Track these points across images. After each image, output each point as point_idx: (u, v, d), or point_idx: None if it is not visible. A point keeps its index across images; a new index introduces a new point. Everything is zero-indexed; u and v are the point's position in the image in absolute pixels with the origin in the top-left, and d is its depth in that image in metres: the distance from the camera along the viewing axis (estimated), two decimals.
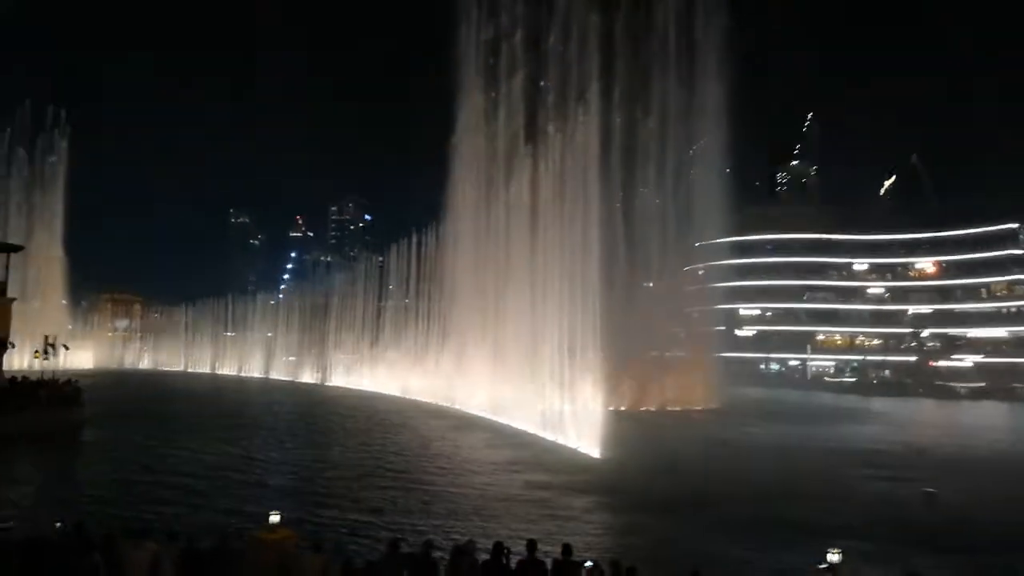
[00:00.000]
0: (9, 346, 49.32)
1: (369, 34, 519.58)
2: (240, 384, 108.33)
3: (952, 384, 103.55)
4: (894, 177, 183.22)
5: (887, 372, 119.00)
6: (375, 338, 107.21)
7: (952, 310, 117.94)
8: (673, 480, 30.69)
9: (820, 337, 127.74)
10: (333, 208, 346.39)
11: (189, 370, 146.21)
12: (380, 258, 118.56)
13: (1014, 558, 20.94)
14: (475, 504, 26.33)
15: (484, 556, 12.64)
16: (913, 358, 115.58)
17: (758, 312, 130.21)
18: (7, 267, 51.75)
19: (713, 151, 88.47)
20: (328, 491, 28.24)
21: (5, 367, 49.59)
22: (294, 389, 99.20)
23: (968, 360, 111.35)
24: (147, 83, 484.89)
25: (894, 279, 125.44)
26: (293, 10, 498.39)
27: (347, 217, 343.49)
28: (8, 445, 36.35)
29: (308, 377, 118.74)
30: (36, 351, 61.01)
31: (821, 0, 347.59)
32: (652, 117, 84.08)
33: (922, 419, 72.01)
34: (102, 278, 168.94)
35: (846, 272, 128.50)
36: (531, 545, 12.43)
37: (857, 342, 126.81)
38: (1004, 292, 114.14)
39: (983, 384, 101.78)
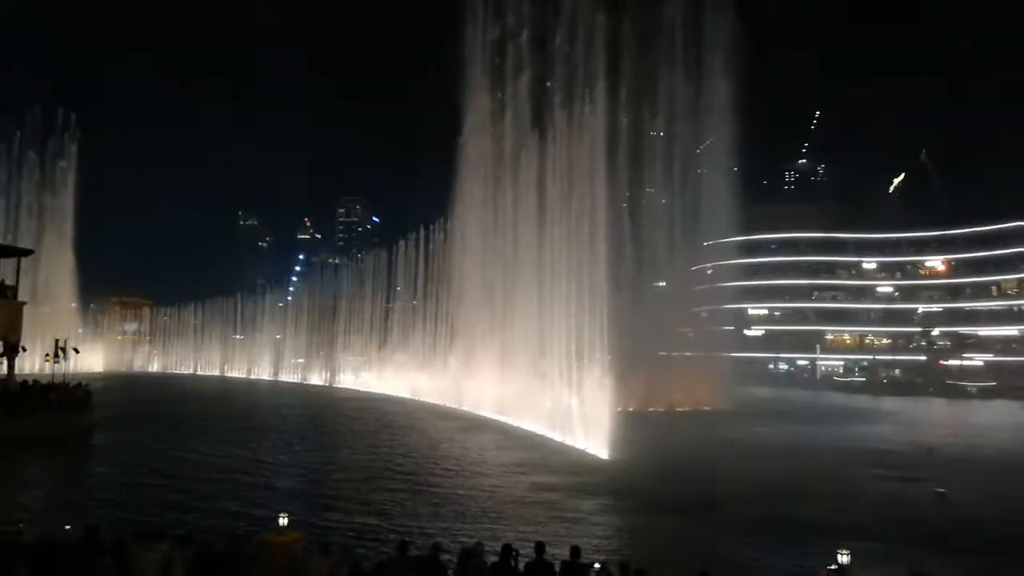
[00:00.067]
0: (20, 350, 49.59)
1: (369, 34, 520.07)
2: (249, 386, 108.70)
3: (962, 383, 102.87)
4: (903, 175, 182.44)
5: (897, 371, 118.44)
6: (383, 340, 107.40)
7: (962, 308, 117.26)
8: (682, 481, 30.64)
9: (829, 336, 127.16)
10: (341, 210, 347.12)
11: (198, 373, 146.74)
12: (382, 250, 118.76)
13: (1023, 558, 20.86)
14: (483, 506, 26.35)
15: (493, 558, 12.66)
16: (923, 357, 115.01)
17: (766, 312, 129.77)
18: (18, 271, 52.08)
19: (720, 150, 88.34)
20: (336, 493, 28.31)
21: (16, 371, 49.90)
22: (303, 391, 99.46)
23: (978, 359, 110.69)
24: (147, 83, 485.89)
25: (903, 278, 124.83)
26: (293, 10, 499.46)
27: (355, 219, 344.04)
28: (19, 448, 36.61)
29: (317, 379, 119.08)
30: (47, 354, 61.47)
31: (821, 0, 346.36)
32: (659, 117, 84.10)
33: (932, 418, 71.61)
34: (111, 281, 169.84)
35: (855, 271, 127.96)
36: (540, 547, 12.43)
37: (866, 341, 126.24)
38: (1014, 290, 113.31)
39: (994, 383, 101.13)
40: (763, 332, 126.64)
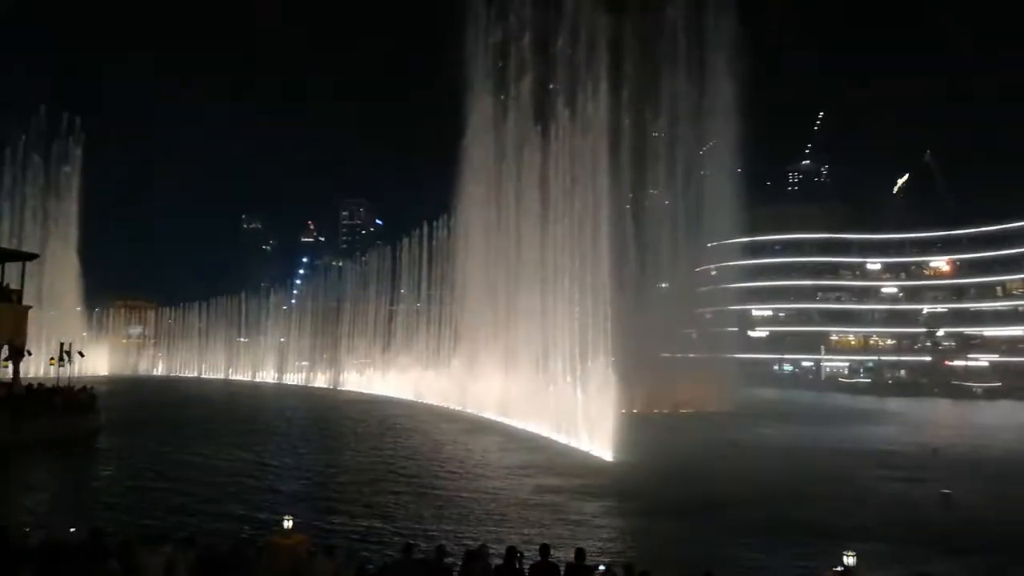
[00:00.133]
0: (26, 353, 49.72)
1: (369, 34, 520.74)
2: (253, 389, 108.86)
3: (968, 384, 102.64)
4: (907, 175, 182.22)
5: (902, 372, 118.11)
6: (387, 342, 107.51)
7: (967, 309, 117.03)
8: (686, 483, 30.61)
9: (834, 337, 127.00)
10: (344, 213, 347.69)
11: (203, 376, 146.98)
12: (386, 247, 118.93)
13: None
14: (487, 509, 26.33)
15: (497, 561, 12.65)
16: (928, 358, 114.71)
17: (771, 313, 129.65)
18: (23, 275, 52.23)
19: (723, 151, 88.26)
20: (340, 496, 28.31)
21: (21, 374, 50.04)
22: (307, 394, 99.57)
23: (984, 359, 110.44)
24: (147, 83, 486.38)
25: (908, 278, 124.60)
26: (293, 10, 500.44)
27: (358, 222, 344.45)
28: (24, 452, 36.68)
29: (321, 382, 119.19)
30: (52, 358, 61.56)
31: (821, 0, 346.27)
32: (662, 118, 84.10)
33: (937, 419, 71.42)
34: (115, 284, 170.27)
35: (859, 272, 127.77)
36: (544, 549, 12.42)
37: (871, 342, 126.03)
38: (1020, 290, 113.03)
39: (999, 383, 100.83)
40: (767, 333, 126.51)
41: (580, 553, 12.37)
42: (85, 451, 40.09)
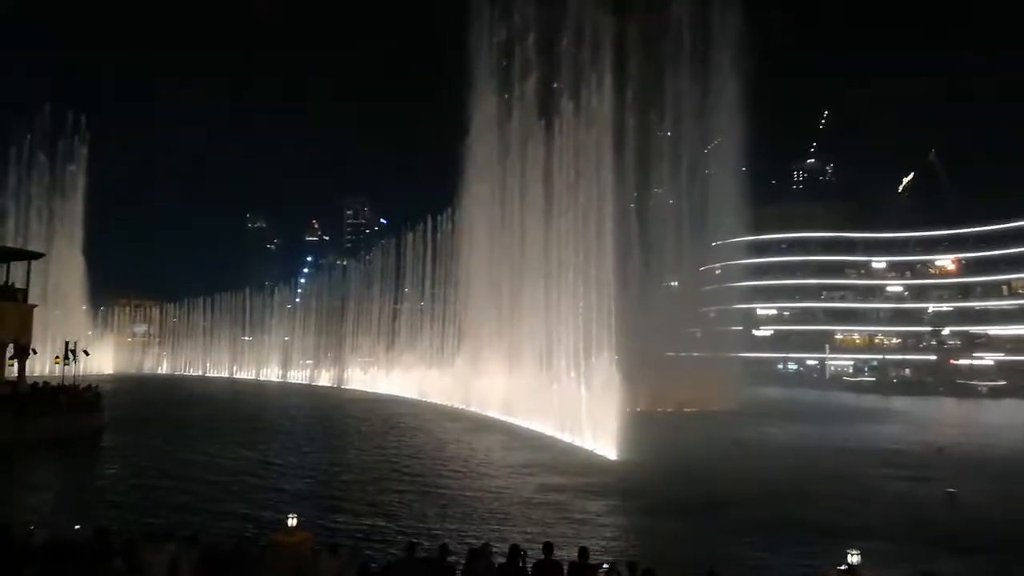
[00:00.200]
0: (31, 352, 49.87)
1: (369, 34, 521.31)
2: (258, 388, 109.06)
3: (973, 382, 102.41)
4: (912, 174, 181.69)
5: (907, 371, 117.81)
6: (391, 341, 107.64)
7: (972, 308, 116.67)
8: (690, 481, 30.56)
9: (838, 336, 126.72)
10: (348, 212, 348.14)
11: (207, 374, 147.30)
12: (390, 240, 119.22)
13: None
14: (491, 507, 26.33)
15: (500, 559, 12.64)
16: (933, 357, 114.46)
17: (775, 312, 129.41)
18: (28, 274, 52.37)
19: (728, 150, 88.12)
20: (344, 495, 28.33)
21: (27, 373, 50.19)
22: (311, 392, 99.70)
23: (989, 358, 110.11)
24: (148, 83, 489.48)
25: (913, 277, 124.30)
26: (293, 10, 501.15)
27: (362, 221, 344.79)
28: (29, 450, 36.79)
29: (325, 380, 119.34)
30: (57, 357, 61.75)
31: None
32: (666, 117, 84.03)
33: (942, 418, 71.24)
34: (120, 283, 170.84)
35: (864, 270, 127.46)
36: (548, 548, 12.41)
37: (876, 341, 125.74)
38: None
39: (1004, 382, 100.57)
40: (772, 332, 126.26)
41: (584, 552, 12.36)
42: (90, 450, 40.20)
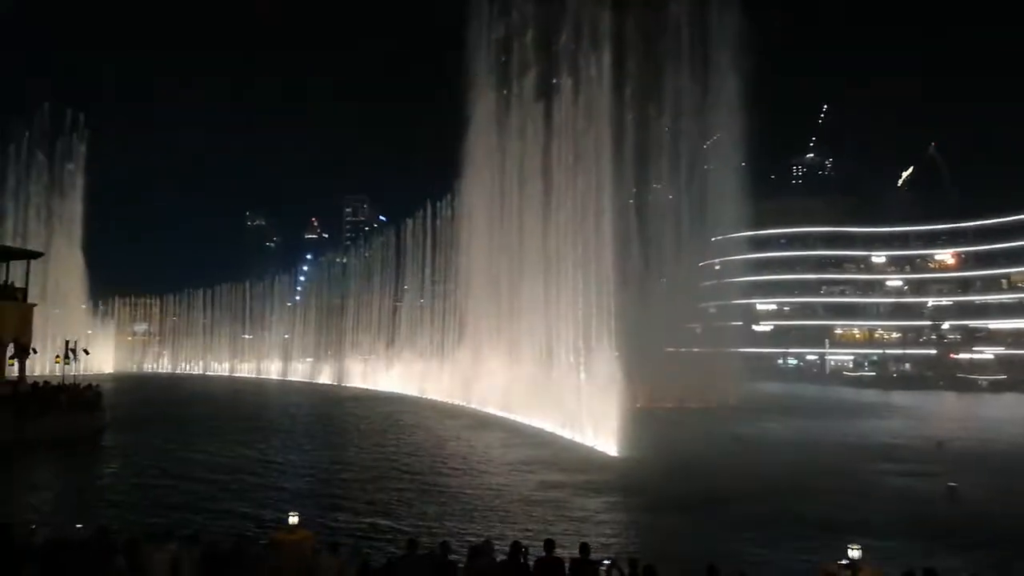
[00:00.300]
0: (31, 352, 49.88)
1: (369, 34, 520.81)
2: (258, 386, 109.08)
3: (973, 377, 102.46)
4: (912, 168, 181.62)
5: (907, 365, 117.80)
6: (391, 338, 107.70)
7: (972, 302, 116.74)
8: (691, 477, 30.57)
9: (838, 331, 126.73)
10: (347, 209, 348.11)
11: (207, 373, 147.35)
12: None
13: None
14: (491, 505, 26.35)
15: (501, 557, 12.65)
16: (933, 351, 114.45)
17: (775, 307, 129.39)
18: (27, 273, 52.35)
19: (727, 145, 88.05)
20: (344, 493, 28.35)
21: (27, 372, 50.19)
22: (311, 390, 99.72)
23: (989, 352, 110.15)
24: (148, 83, 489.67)
25: (913, 271, 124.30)
26: (293, 10, 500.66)
27: (362, 218, 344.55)
28: (29, 450, 36.82)
29: (325, 378, 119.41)
30: (57, 356, 61.79)
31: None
32: (666, 113, 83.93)
33: (942, 412, 71.27)
34: (119, 282, 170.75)
35: (864, 265, 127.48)
36: (549, 544, 12.43)
37: (876, 336, 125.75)
38: None
39: (1004, 376, 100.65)
40: (772, 327, 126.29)
41: (585, 548, 12.37)
42: (90, 449, 40.20)
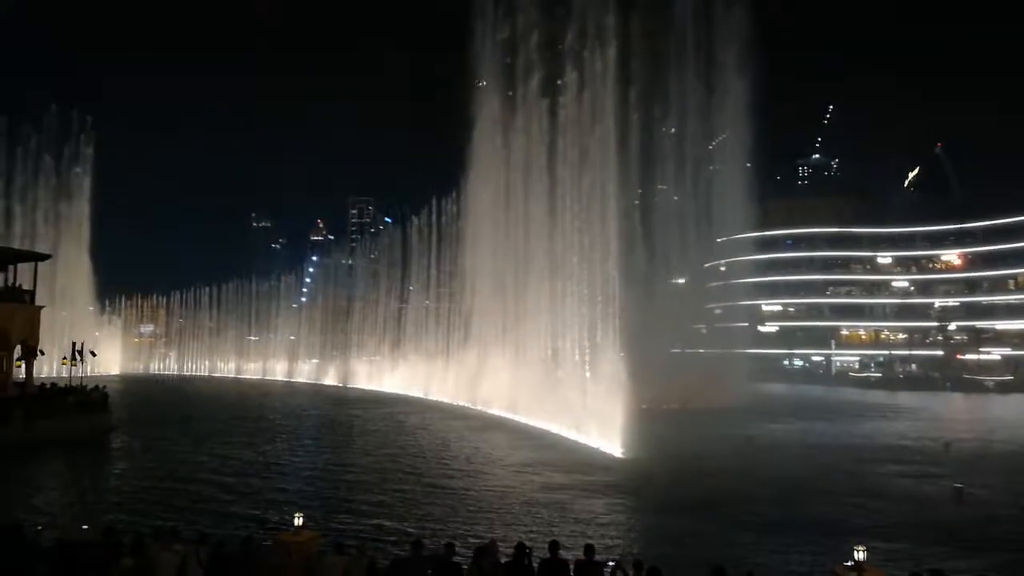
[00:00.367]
0: (39, 353, 50.09)
1: (369, 34, 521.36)
2: (264, 388, 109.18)
3: (980, 378, 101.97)
4: (918, 169, 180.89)
5: (913, 366, 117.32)
6: (396, 340, 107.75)
7: (979, 302, 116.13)
8: (696, 479, 30.55)
9: (844, 332, 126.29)
10: (353, 211, 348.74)
11: (213, 374, 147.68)
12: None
13: None
14: (496, 506, 26.37)
15: (506, 558, 12.67)
16: (940, 352, 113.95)
17: (781, 308, 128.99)
18: (35, 275, 52.56)
19: (733, 146, 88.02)
20: (349, 495, 28.40)
21: (34, 374, 50.40)
22: (317, 392, 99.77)
23: (996, 353, 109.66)
24: (147, 83, 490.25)
25: (919, 272, 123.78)
26: (293, 10, 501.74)
27: (367, 220, 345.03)
28: (37, 451, 36.98)
29: (330, 379, 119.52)
30: (64, 358, 61.95)
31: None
32: (671, 114, 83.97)
33: (949, 414, 70.99)
34: (126, 284, 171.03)
35: (870, 266, 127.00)
36: (553, 546, 12.44)
37: (882, 336, 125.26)
38: None
39: (1011, 377, 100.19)
40: (777, 328, 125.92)
41: (589, 549, 12.39)
42: (97, 450, 40.38)
